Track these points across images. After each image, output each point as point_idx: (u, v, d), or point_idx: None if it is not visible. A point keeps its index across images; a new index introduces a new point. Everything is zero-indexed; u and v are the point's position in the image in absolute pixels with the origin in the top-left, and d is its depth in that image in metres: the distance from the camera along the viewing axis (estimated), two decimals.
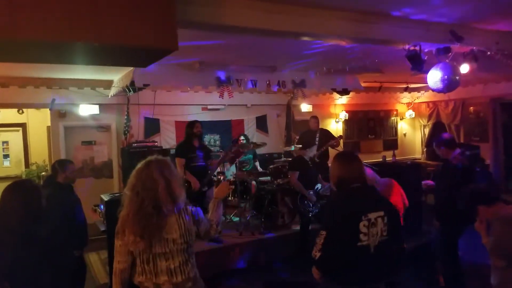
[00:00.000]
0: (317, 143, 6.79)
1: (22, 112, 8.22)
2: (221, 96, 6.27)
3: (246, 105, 8.70)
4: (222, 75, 6.06)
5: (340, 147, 7.81)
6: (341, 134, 8.83)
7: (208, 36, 4.02)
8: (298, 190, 5.40)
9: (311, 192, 5.33)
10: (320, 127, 7.67)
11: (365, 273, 2.42)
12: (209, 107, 8.30)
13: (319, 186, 5.51)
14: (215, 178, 6.56)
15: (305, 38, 3.96)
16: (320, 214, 5.15)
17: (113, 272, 2.35)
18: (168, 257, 2.31)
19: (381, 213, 2.42)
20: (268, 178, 6.82)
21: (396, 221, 2.55)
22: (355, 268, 2.40)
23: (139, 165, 2.37)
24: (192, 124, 5.82)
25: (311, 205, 5.25)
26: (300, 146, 6.02)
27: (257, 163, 7.40)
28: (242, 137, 7.25)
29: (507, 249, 2.76)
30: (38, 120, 8.51)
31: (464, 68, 4.43)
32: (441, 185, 4.43)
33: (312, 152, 5.67)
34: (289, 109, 9.01)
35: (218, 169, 7.11)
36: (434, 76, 4.29)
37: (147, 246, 2.26)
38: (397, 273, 2.63)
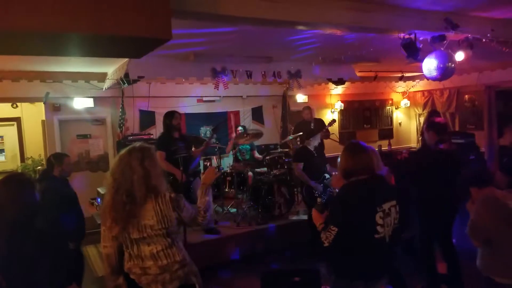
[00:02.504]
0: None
1: (16, 106, 8.15)
2: (217, 87, 6.25)
3: (241, 96, 8.67)
4: (217, 66, 6.03)
5: (336, 137, 7.84)
6: (334, 118, 8.85)
7: (203, 26, 3.99)
8: (303, 181, 5.38)
9: (315, 183, 5.27)
10: (314, 117, 7.71)
11: (383, 263, 2.45)
12: (204, 99, 8.27)
13: (327, 175, 5.44)
14: (201, 167, 6.54)
15: (301, 27, 3.95)
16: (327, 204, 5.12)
17: (103, 257, 2.43)
18: (149, 242, 2.33)
19: (394, 202, 2.43)
20: (265, 169, 6.84)
21: (405, 207, 2.57)
22: (373, 260, 2.40)
23: (122, 151, 2.39)
24: (170, 115, 5.35)
25: (319, 194, 5.22)
26: (300, 134, 5.99)
27: (256, 153, 7.40)
28: (240, 128, 7.28)
29: (481, 230, 2.88)
30: (33, 114, 8.45)
31: (459, 56, 4.42)
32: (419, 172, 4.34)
33: (317, 140, 5.63)
34: (285, 100, 8.99)
35: (215, 161, 7.14)
36: (429, 64, 4.29)
37: (121, 231, 2.30)
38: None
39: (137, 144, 2.42)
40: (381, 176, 2.65)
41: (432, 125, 4.28)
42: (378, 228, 2.34)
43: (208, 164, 6.91)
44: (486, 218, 2.86)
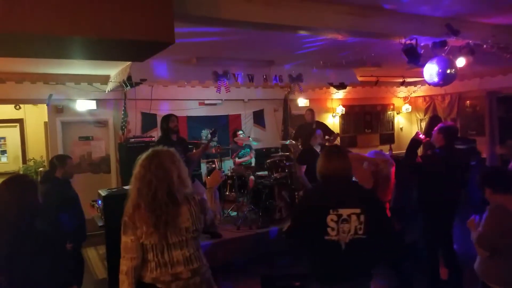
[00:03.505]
0: None
1: (19, 107, 8.20)
2: (219, 90, 6.28)
3: (243, 99, 8.71)
4: (219, 69, 6.06)
5: (337, 141, 7.87)
6: (338, 132, 8.89)
7: (205, 30, 4.02)
8: (303, 184, 5.35)
9: None
10: (316, 120, 7.76)
11: (338, 269, 2.42)
12: (206, 102, 8.29)
13: None
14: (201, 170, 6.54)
15: (303, 32, 3.97)
16: None
17: (125, 272, 2.23)
18: (183, 245, 2.28)
19: (357, 211, 2.38)
20: (266, 172, 6.85)
21: (380, 220, 2.49)
22: (327, 263, 2.44)
23: (144, 156, 2.31)
24: (167, 118, 5.40)
25: None
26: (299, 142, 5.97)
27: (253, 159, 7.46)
28: (240, 132, 7.33)
29: (492, 242, 2.79)
30: (35, 116, 8.49)
31: (460, 62, 4.44)
32: (425, 176, 4.27)
33: (318, 139, 5.60)
34: (286, 103, 9.02)
35: (216, 163, 7.16)
36: (430, 70, 4.31)
37: (162, 237, 2.22)
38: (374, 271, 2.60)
39: (157, 147, 2.39)
40: (353, 182, 2.66)
41: (443, 129, 4.24)
42: (329, 230, 2.36)
43: (213, 166, 6.92)
44: (496, 228, 2.77)
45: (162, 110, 7.88)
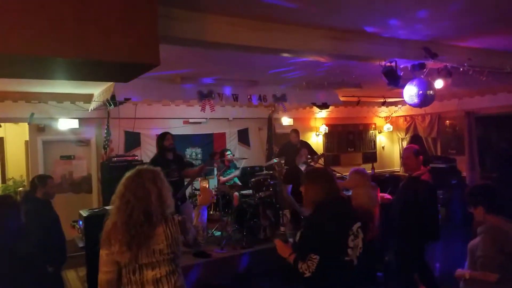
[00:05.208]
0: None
1: (0, 126, 8.04)
2: (203, 109, 6.30)
3: (227, 118, 8.75)
4: (204, 89, 6.10)
5: (321, 160, 7.93)
6: (323, 152, 8.98)
7: (190, 50, 4.06)
8: (291, 204, 5.32)
9: (300, 208, 5.23)
10: (300, 140, 7.83)
11: (351, 285, 2.43)
12: (190, 120, 8.31)
13: None
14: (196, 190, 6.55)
15: (285, 55, 4.05)
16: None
17: (99, 284, 2.28)
18: (154, 266, 2.28)
19: (359, 224, 2.45)
20: (250, 191, 6.84)
21: (366, 226, 2.59)
22: (342, 282, 2.39)
23: (128, 174, 2.35)
24: (162, 136, 5.43)
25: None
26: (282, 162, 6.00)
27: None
28: (228, 152, 7.36)
29: (498, 261, 2.66)
30: (16, 135, 8.34)
31: (439, 84, 4.58)
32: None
33: (303, 158, 5.61)
34: (270, 122, 9.10)
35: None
36: (410, 92, 4.42)
37: (133, 257, 2.23)
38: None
39: (142, 166, 2.42)
40: (347, 198, 2.70)
41: (419, 152, 4.31)
42: (349, 250, 2.35)
43: (205, 186, 6.93)
44: (493, 250, 2.67)
45: (146, 129, 7.86)
